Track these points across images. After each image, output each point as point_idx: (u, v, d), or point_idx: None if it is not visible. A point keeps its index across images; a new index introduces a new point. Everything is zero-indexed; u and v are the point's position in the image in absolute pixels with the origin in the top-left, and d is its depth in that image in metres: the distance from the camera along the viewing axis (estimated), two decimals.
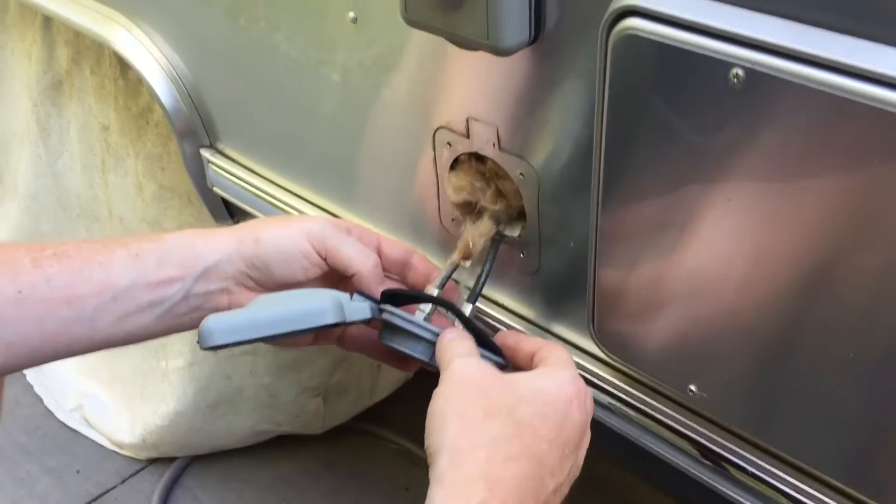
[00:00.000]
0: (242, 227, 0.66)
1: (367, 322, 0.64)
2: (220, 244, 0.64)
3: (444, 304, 0.66)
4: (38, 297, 0.59)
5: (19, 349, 0.60)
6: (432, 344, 0.62)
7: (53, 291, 0.60)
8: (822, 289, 0.50)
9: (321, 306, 0.62)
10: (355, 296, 0.64)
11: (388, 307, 0.64)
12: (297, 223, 0.66)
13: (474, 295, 0.69)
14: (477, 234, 0.70)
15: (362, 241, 0.68)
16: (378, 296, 0.65)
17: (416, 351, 0.63)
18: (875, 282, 0.47)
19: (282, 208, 0.95)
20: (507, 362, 0.63)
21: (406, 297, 0.66)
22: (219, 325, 0.59)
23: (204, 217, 1.20)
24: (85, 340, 0.62)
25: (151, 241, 0.63)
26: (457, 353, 0.58)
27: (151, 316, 0.63)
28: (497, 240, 0.71)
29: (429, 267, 0.69)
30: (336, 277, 0.67)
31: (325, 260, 0.65)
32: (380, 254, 0.68)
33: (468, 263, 0.71)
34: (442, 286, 0.68)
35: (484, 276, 0.69)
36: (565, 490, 0.54)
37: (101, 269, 0.61)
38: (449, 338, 0.60)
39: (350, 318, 0.63)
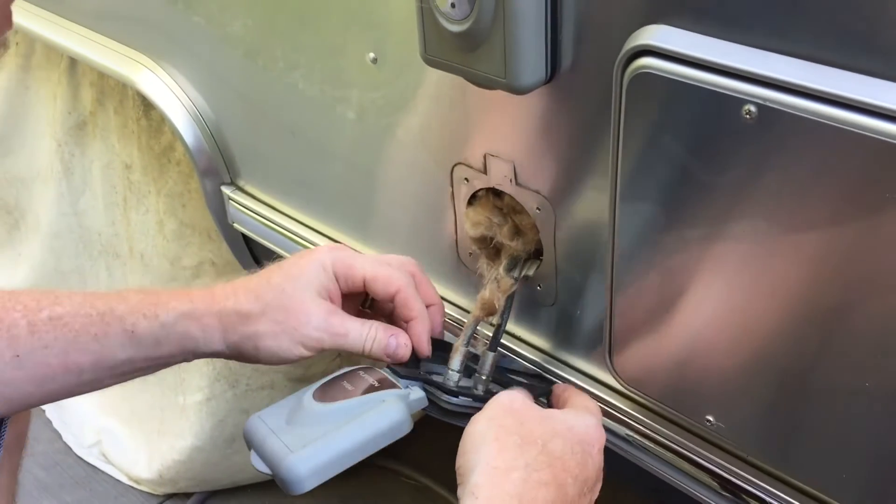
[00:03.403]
0: (238, 325, 0.64)
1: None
2: (215, 342, 0.64)
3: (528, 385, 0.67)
4: (35, 362, 0.61)
5: (18, 405, 0.63)
6: None
7: (51, 358, 0.61)
8: (838, 320, 0.50)
9: (397, 420, 0.62)
10: (400, 380, 0.65)
11: (443, 396, 0.64)
12: (292, 332, 0.64)
13: (495, 344, 0.70)
14: (499, 290, 0.71)
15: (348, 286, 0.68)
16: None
17: None
18: (891, 312, 0.47)
19: (300, 243, 0.96)
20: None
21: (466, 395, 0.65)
22: (305, 469, 0.58)
23: (223, 252, 1.22)
24: (85, 394, 0.65)
25: (147, 319, 0.63)
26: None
27: (150, 371, 0.66)
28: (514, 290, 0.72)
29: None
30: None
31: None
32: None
33: (493, 319, 0.72)
34: (468, 343, 0.69)
35: (503, 325, 0.71)
36: None
37: (97, 342, 0.62)
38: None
39: (413, 411, 0.64)
